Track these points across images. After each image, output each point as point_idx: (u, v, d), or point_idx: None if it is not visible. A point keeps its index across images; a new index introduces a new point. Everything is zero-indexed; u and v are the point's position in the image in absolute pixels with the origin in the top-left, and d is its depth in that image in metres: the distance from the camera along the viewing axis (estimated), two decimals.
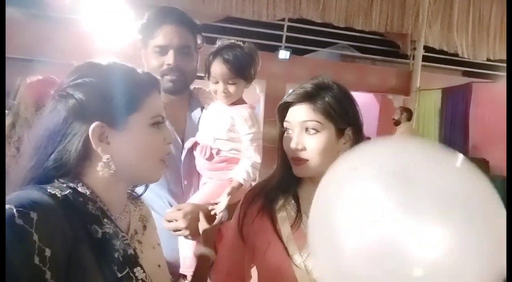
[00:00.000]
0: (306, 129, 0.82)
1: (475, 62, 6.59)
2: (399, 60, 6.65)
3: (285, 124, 0.86)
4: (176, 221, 1.01)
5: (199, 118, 1.21)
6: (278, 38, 5.82)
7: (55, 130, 0.63)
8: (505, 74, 6.63)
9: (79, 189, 0.63)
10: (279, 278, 0.81)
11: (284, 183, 0.88)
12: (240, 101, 1.16)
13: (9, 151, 1.23)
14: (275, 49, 5.47)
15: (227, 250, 0.94)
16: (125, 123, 0.64)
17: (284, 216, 0.86)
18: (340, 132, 0.84)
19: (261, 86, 5.34)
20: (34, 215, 0.51)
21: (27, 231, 0.50)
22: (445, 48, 6.29)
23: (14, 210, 0.50)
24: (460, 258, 0.42)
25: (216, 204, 1.06)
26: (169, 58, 1.12)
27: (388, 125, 5.07)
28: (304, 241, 0.82)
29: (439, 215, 0.42)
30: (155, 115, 0.68)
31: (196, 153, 1.14)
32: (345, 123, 0.84)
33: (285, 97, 0.87)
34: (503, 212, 0.47)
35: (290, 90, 0.88)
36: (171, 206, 1.12)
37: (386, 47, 6.49)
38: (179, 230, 1.01)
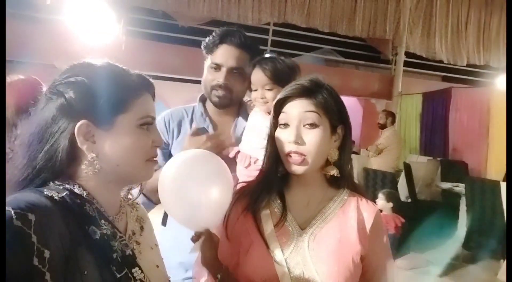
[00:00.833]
0: (307, 124, 0.82)
1: (454, 68, 6.80)
2: (381, 65, 6.80)
3: (282, 116, 0.85)
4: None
5: (244, 129, 1.28)
6: (264, 42, 5.86)
7: (45, 127, 0.63)
8: (483, 80, 6.86)
9: (76, 190, 0.63)
10: (260, 276, 0.81)
11: (269, 181, 0.88)
12: None
13: None
14: (261, 53, 5.49)
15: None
16: (112, 123, 0.64)
17: (267, 213, 0.86)
18: (333, 130, 0.85)
19: None
20: (32, 217, 0.52)
21: (25, 233, 0.50)
22: (424, 55, 6.47)
23: (12, 212, 0.50)
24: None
25: None
26: (220, 76, 1.23)
27: (372, 128, 5.16)
28: (288, 239, 0.83)
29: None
30: (144, 117, 0.68)
31: (237, 160, 1.20)
32: (337, 121, 0.85)
33: (282, 93, 0.86)
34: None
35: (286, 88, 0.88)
36: None
37: (368, 53, 6.63)
38: None
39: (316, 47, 7.33)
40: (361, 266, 0.84)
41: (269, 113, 1.16)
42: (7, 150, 1.24)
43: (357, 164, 4.65)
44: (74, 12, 3.97)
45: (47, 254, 0.51)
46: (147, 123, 0.68)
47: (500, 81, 5.27)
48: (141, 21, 5.48)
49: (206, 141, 1.10)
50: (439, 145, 5.69)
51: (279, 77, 1.13)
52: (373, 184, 4.08)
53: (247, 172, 1.17)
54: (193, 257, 1.05)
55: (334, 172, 0.86)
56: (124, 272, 0.61)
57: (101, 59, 0.69)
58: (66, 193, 0.60)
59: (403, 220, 3.36)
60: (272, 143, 0.87)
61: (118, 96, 0.65)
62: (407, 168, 4.61)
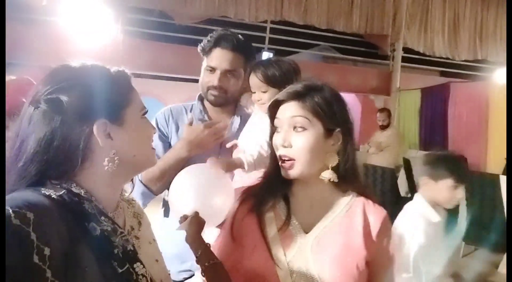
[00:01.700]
0: (294, 127, 0.82)
1: (452, 63, 6.80)
2: (379, 61, 6.79)
3: (275, 121, 0.87)
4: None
5: (239, 125, 1.36)
6: (261, 40, 5.85)
7: (52, 135, 0.62)
8: (481, 74, 6.86)
9: (73, 189, 0.63)
10: (262, 279, 0.81)
11: (273, 184, 0.88)
12: None
13: None
14: (258, 51, 5.49)
15: (220, 243, 0.93)
16: (122, 118, 0.68)
17: (271, 216, 0.86)
18: (328, 133, 0.83)
19: None
20: (30, 215, 0.52)
21: (24, 231, 0.50)
22: (422, 50, 6.47)
23: (10, 211, 0.51)
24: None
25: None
26: (215, 78, 1.29)
27: (370, 124, 5.16)
28: (291, 242, 0.82)
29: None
30: (143, 107, 0.73)
31: (233, 154, 1.24)
32: (333, 124, 0.83)
33: (274, 97, 0.88)
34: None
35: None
36: None
37: (366, 49, 6.62)
38: None
39: (314, 44, 7.32)
40: (366, 272, 0.82)
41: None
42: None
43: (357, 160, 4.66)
44: (71, 13, 3.96)
45: (47, 251, 0.51)
46: (145, 113, 0.73)
47: (498, 76, 5.27)
48: (138, 21, 5.46)
49: (204, 129, 1.18)
50: (438, 139, 5.69)
51: (272, 81, 1.19)
52: (373, 180, 4.09)
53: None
54: (188, 248, 1.06)
55: (330, 176, 0.84)
56: (125, 268, 0.61)
57: (82, 60, 0.69)
58: (64, 192, 0.61)
59: None
60: (271, 145, 0.88)
61: (119, 92, 0.68)
62: (407, 163, 4.62)
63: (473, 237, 3.50)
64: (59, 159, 0.62)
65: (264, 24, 5.84)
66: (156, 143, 1.30)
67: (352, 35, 6.30)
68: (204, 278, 0.99)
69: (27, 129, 0.63)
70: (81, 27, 4.03)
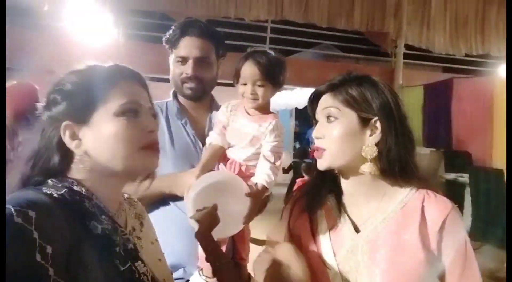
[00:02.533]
0: (328, 118, 0.80)
1: (454, 59, 6.76)
2: (381, 58, 6.77)
3: (316, 115, 0.85)
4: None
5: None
6: (262, 40, 5.85)
7: (41, 135, 0.67)
8: (484, 69, 6.82)
9: (74, 187, 0.64)
10: (315, 278, 0.78)
11: (322, 181, 0.86)
12: (265, 110, 1.14)
13: None
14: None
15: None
16: (91, 118, 0.66)
17: (322, 214, 0.84)
18: (364, 123, 0.78)
19: None
20: (32, 213, 0.52)
21: (26, 229, 0.50)
22: (423, 46, 6.44)
23: (12, 209, 0.51)
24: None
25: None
26: (188, 68, 1.22)
27: None
28: (342, 241, 0.79)
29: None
30: (121, 104, 0.66)
31: (226, 167, 1.13)
32: (368, 113, 0.78)
33: (314, 91, 0.87)
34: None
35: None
36: None
37: (367, 46, 6.60)
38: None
39: (315, 43, 7.31)
40: (429, 275, 0.75)
41: (251, 111, 1.10)
42: (11, 156, 1.26)
43: None
44: (72, 18, 3.98)
45: (49, 249, 0.51)
46: (127, 111, 0.66)
47: (502, 70, 5.24)
48: (139, 24, 5.48)
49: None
50: (442, 136, 5.66)
51: (272, 73, 1.09)
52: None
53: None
54: (181, 258, 1.06)
55: (369, 169, 0.78)
56: (127, 265, 0.61)
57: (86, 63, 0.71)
58: (65, 190, 0.61)
59: None
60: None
61: (90, 91, 0.66)
62: None
63: (480, 233, 3.48)
64: (46, 161, 0.65)
65: (265, 24, 5.84)
66: None
67: (353, 33, 6.28)
68: (211, 279, 0.99)
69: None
70: (83, 31, 4.05)
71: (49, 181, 0.63)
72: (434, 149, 5.43)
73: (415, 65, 7.01)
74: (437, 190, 0.82)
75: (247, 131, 1.10)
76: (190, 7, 5.27)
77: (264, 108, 1.13)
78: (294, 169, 6.23)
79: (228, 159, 1.14)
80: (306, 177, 4.13)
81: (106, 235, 0.61)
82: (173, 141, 1.25)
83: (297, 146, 9.70)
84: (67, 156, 0.66)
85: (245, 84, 1.09)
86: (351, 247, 0.78)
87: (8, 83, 1.38)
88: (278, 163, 1.09)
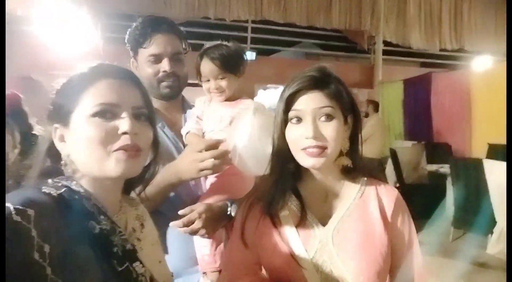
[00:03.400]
0: (327, 117, 0.79)
1: (432, 53, 6.94)
2: (361, 55, 6.89)
3: (293, 113, 0.80)
4: (192, 223, 0.98)
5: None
6: (243, 40, 5.86)
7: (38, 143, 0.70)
8: (460, 63, 7.03)
9: (73, 187, 0.64)
10: (287, 279, 0.78)
11: (282, 181, 0.84)
12: (237, 98, 1.16)
13: None
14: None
15: (232, 251, 0.91)
16: (70, 120, 0.65)
17: (286, 215, 0.83)
18: (345, 120, 0.82)
19: None
20: (31, 212, 0.52)
21: (25, 227, 0.51)
22: (400, 43, 6.60)
23: (11, 208, 0.51)
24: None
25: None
26: (165, 65, 1.17)
27: None
28: (311, 237, 0.80)
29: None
30: (95, 105, 0.64)
31: None
32: (348, 110, 0.82)
33: (290, 86, 0.81)
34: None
35: (284, 84, 0.84)
36: (180, 207, 1.09)
37: (347, 44, 6.70)
38: (197, 231, 0.99)
39: (296, 42, 7.37)
40: (390, 257, 0.80)
41: (227, 101, 1.11)
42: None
43: None
44: (47, 22, 3.88)
45: (47, 248, 0.51)
46: (101, 112, 0.63)
47: (477, 64, 5.41)
48: (118, 27, 5.39)
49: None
50: (423, 129, 5.81)
51: (229, 64, 1.10)
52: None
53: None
54: (180, 264, 1.04)
55: (346, 162, 0.83)
56: (125, 266, 0.61)
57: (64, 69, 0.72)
58: (64, 190, 0.61)
59: None
60: (283, 139, 0.82)
61: (66, 93, 0.66)
62: (393, 154, 4.70)
63: (462, 221, 3.58)
64: (42, 162, 0.67)
65: (245, 24, 5.85)
66: None
67: (333, 31, 6.37)
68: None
69: None
70: (59, 36, 3.96)
71: (49, 180, 0.64)
72: (416, 142, 5.55)
73: (393, 61, 7.17)
74: (381, 178, 0.89)
75: (224, 113, 1.11)
76: (169, 8, 5.24)
77: (235, 97, 1.16)
78: None
79: None
80: None
81: (104, 235, 0.61)
82: None
83: None
84: (60, 158, 0.67)
85: (208, 80, 1.12)
86: (321, 240, 0.79)
87: None
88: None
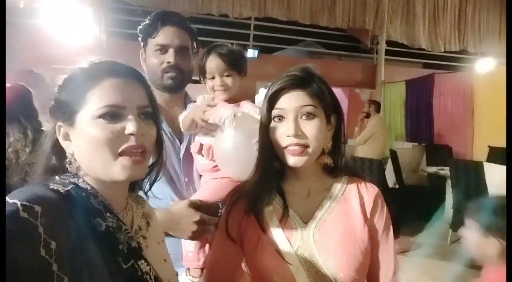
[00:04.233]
0: (308, 115, 0.80)
1: (434, 54, 6.92)
2: (364, 54, 6.87)
3: (276, 112, 0.82)
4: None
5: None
6: (246, 37, 5.84)
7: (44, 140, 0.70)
8: (463, 64, 7.01)
9: (80, 184, 0.64)
10: (272, 275, 0.79)
11: (267, 179, 0.85)
12: (235, 99, 1.18)
13: None
14: (243, 48, 5.48)
15: (216, 246, 0.92)
16: (75, 119, 0.65)
17: (270, 211, 0.84)
18: (328, 119, 0.83)
19: None
20: (38, 209, 0.52)
21: (32, 224, 0.51)
22: (405, 42, 6.57)
23: (18, 204, 0.51)
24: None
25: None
26: (170, 56, 1.18)
27: (357, 118, 5.22)
28: (293, 234, 0.81)
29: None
30: (102, 106, 0.63)
31: (203, 152, 1.14)
32: (331, 110, 0.84)
33: (274, 85, 0.83)
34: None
35: (270, 83, 0.86)
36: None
37: (350, 43, 6.68)
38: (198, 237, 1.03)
39: (299, 40, 7.34)
40: (370, 253, 0.82)
41: (227, 101, 1.14)
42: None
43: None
44: (50, 15, 3.87)
45: (53, 245, 0.51)
46: (107, 113, 0.63)
47: (480, 65, 5.40)
48: (121, 21, 5.38)
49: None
50: (424, 130, 5.80)
51: (237, 62, 1.13)
52: (360, 172, 4.15)
53: (210, 163, 1.13)
54: None
55: (328, 160, 0.85)
56: (130, 263, 0.62)
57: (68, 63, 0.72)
58: (72, 186, 0.62)
59: None
60: (267, 137, 0.83)
61: (73, 91, 0.66)
62: (393, 155, 4.70)
63: (460, 223, 3.58)
64: (48, 159, 0.67)
65: (248, 21, 5.83)
66: None
67: (336, 30, 6.35)
68: (198, 279, 0.98)
69: None
70: (62, 29, 3.95)
71: (56, 177, 0.64)
72: (416, 143, 5.55)
73: (396, 62, 7.15)
74: (362, 177, 0.91)
75: (225, 114, 1.11)
76: (173, 3, 5.22)
77: (236, 99, 1.18)
78: None
79: (202, 145, 1.14)
80: None
81: (110, 232, 0.61)
82: None
83: None
84: (65, 155, 0.67)
85: (213, 78, 1.14)
86: (303, 238, 0.81)
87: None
88: None
